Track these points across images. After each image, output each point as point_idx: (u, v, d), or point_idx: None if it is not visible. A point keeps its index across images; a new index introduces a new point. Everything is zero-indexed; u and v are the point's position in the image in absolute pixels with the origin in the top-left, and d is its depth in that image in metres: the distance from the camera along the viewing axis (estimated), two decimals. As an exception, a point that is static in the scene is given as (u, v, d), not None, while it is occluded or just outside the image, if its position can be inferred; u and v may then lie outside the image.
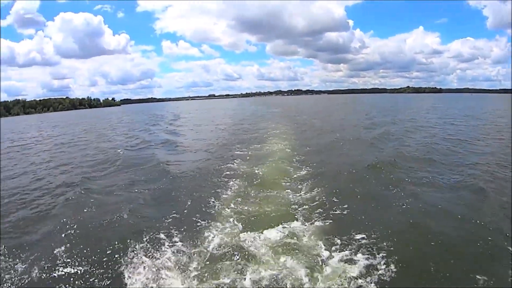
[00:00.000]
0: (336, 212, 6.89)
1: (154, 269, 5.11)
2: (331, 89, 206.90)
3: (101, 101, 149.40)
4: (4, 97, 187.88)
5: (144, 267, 5.18)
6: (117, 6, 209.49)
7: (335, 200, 7.48)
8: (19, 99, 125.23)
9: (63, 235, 6.48)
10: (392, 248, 5.35)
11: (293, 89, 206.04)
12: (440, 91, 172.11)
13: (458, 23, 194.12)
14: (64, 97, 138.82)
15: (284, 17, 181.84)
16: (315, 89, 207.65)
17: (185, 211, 7.40)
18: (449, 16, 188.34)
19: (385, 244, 5.49)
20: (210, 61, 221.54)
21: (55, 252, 5.83)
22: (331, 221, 6.50)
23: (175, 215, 7.17)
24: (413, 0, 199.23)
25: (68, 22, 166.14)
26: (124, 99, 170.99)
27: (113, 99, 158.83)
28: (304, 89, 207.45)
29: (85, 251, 5.82)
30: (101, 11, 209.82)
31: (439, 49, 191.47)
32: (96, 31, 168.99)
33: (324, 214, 6.79)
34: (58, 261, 5.55)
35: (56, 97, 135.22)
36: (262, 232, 6.07)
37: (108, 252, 5.73)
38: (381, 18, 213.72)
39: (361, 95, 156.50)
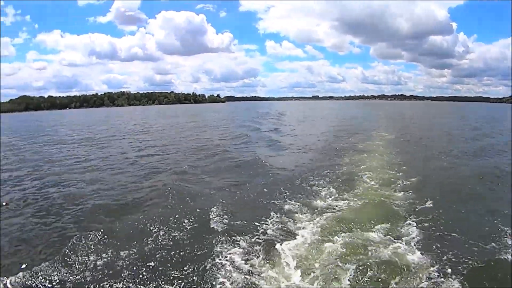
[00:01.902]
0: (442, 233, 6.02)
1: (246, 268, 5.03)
2: (434, 96, 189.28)
3: (206, 97, 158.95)
4: (105, 89, 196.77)
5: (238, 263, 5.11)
6: (219, 6, 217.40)
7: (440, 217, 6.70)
8: (123, 91, 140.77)
9: (152, 224, 6.55)
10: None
11: (396, 94, 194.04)
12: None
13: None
14: (169, 91, 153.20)
15: (387, 19, 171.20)
16: (418, 95, 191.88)
17: (281, 207, 7.47)
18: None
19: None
20: (314, 62, 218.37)
21: (139, 237, 6.01)
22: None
23: (270, 210, 7.22)
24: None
25: (170, 20, 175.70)
26: (228, 96, 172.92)
27: (218, 95, 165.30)
28: (407, 94, 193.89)
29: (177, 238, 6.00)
30: (203, 10, 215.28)
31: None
32: (199, 29, 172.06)
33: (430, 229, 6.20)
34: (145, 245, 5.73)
35: (160, 91, 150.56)
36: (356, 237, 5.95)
37: (199, 243, 5.76)
38: (485, 21, 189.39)
39: (466, 103, 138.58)
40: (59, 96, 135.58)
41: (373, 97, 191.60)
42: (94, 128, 32.21)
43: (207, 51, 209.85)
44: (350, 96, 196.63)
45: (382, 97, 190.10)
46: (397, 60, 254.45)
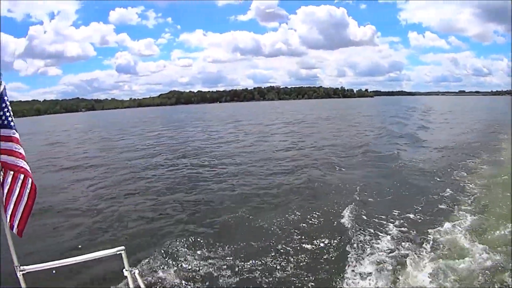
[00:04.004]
0: None
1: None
2: None
3: (355, 91, 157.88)
4: (251, 84, 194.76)
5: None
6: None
7: None
8: (272, 86, 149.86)
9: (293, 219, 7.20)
10: None
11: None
12: None
13: None
14: (316, 85, 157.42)
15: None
16: None
17: (415, 209, 7.51)
18: None
19: None
20: (458, 54, 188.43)
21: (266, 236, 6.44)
22: None
23: (402, 213, 7.23)
24: None
25: (311, 14, 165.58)
26: (375, 91, 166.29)
27: (366, 90, 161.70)
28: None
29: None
30: (342, 3, 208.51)
31: None
32: (341, 23, 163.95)
33: None
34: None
35: (309, 86, 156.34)
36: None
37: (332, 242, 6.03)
38: None
39: None
40: (209, 91, 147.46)
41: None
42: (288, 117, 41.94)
43: (351, 44, 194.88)
44: (497, 91, 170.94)
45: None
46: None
